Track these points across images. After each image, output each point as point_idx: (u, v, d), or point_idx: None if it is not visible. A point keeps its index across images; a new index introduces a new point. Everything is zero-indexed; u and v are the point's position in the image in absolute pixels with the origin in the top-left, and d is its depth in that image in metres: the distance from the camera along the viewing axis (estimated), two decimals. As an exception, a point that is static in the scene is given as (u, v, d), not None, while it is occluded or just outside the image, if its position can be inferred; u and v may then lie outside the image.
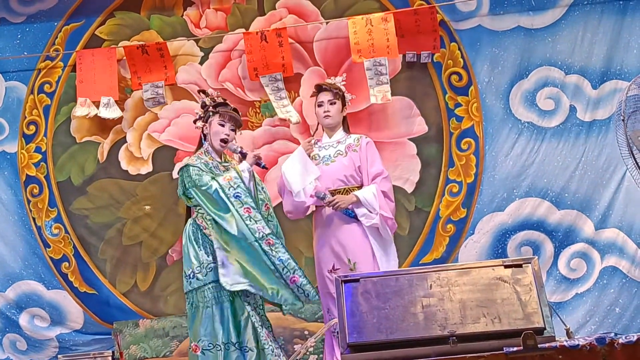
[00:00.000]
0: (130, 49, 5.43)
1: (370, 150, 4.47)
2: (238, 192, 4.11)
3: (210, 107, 4.34)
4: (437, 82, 5.44)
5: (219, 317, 4.13)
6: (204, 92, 4.48)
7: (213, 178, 4.15)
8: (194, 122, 4.40)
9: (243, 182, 4.13)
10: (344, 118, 4.63)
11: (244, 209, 4.09)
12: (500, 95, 5.40)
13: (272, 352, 4.11)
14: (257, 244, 4.07)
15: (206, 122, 4.34)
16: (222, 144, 4.30)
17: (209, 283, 4.13)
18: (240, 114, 4.43)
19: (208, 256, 4.15)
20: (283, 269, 4.08)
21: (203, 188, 4.14)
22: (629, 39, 5.27)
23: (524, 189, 5.32)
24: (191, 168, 4.19)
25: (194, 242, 4.19)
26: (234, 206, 4.08)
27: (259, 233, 4.06)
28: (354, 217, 4.36)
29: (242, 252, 4.11)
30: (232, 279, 4.08)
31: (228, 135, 4.29)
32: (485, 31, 5.42)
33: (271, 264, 4.08)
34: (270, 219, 4.21)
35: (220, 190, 4.10)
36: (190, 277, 4.16)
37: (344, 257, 4.38)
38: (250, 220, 4.08)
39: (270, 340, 4.15)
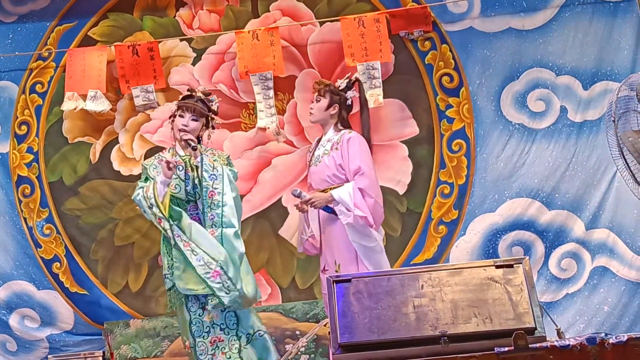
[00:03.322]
0: (121, 49, 5.42)
1: (351, 146, 4.34)
2: (152, 204, 4.16)
3: (176, 103, 4.37)
4: (428, 84, 5.46)
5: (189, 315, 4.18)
6: (190, 90, 4.47)
7: (147, 180, 4.27)
8: (170, 117, 4.43)
9: (155, 196, 4.15)
10: (342, 116, 4.50)
11: (157, 219, 4.15)
12: (491, 97, 5.42)
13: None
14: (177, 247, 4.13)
15: (174, 118, 4.37)
16: (182, 134, 4.28)
17: (173, 286, 4.19)
18: (213, 108, 4.40)
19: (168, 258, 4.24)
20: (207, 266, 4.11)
21: (132, 196, 4.33)
22: (619, 40, 5.30)
23: (515, 189, 5.34)
24: (144, 169, 4.35)
25: (162, 245, 4.26)
26: (152, 216, 4.17)
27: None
28: (334, 214, 4.34)
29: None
30: (183, 282, 4.15)
31: (186, 125, 4.27)
32: (476, 33, 5.43)
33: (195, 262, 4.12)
34: (213, 207, 4.15)
35: (143, 200, 4.19)
36: (165, 278, 4.25)
37: (332, 258, 4.35)
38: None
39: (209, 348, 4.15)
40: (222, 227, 4.13)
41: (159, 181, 4.18)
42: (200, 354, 4.12)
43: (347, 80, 4.50)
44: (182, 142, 4.28)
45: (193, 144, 4.19)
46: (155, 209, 4.14)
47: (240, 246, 4.17)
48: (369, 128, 4.52)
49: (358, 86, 4.53)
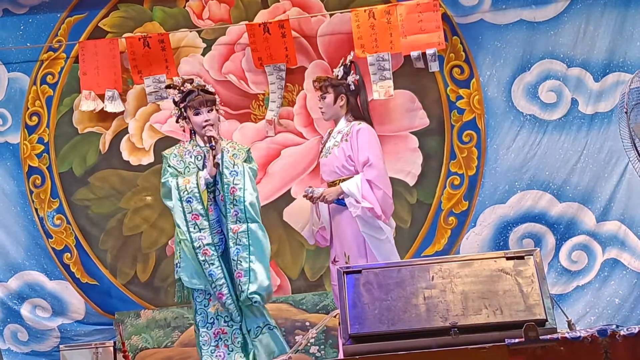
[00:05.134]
0: (132, 41, 5.43)
1: (361, 137, 4.36)
2: (190, 197, 4.14)
3: (181, 103, 4.34)
4: (439, 75, 5.44)
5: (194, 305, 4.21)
6: (169, 86, 4.47)
7: (177, 176, 4.23)
8: (177, 121, 4.43)
9: (198, 189, 4.15)
10: (351, 104, 4.50)
11: (192, 215, 4.13)
12: (502, 88, 5.40)
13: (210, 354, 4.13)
14: (194, 251, 4.12)
15: (185, 118, 4.35)
16: (206, 130, 4.27)
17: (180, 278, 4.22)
18: (214, 92, 4.43)
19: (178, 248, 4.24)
20: (212, 283, 4.12)
21: (162, 181, 4.27)
22: (632, 30, 5.27)
23: (526, 181, 5.32)
24: (164, 158, 4.33)
25: (176, 235, 4.26)
26: (183, 210, 4.13)
27: (198, 242, 4.11)
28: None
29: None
30: (186, 276, 4.17)
31: (209, 120, 4.28)
32: (487, 25, 5.41)
33: (207, 274, 4.13)
34: (235, 203, 4.17)
35: (175, 190, 4.16)
36: (176, 267, 4.26)
37: (341, 249, 4.36)
38: (195, 228, 4.12)
39: (212, 342, 4.15)
40: (247, 222, 4.16)
41: (202, 176, 4.19)
42: (203, 344, 4.13)
43: (343, 66, 4.51)
44: (205, 138, 4.28)
45: (211, 143, 4.20)
46: (195, 204, 4.13)
47: (267, 240, 4.20)
48: (367, 107, 4.54)
49: (354, 67, 4.51)
